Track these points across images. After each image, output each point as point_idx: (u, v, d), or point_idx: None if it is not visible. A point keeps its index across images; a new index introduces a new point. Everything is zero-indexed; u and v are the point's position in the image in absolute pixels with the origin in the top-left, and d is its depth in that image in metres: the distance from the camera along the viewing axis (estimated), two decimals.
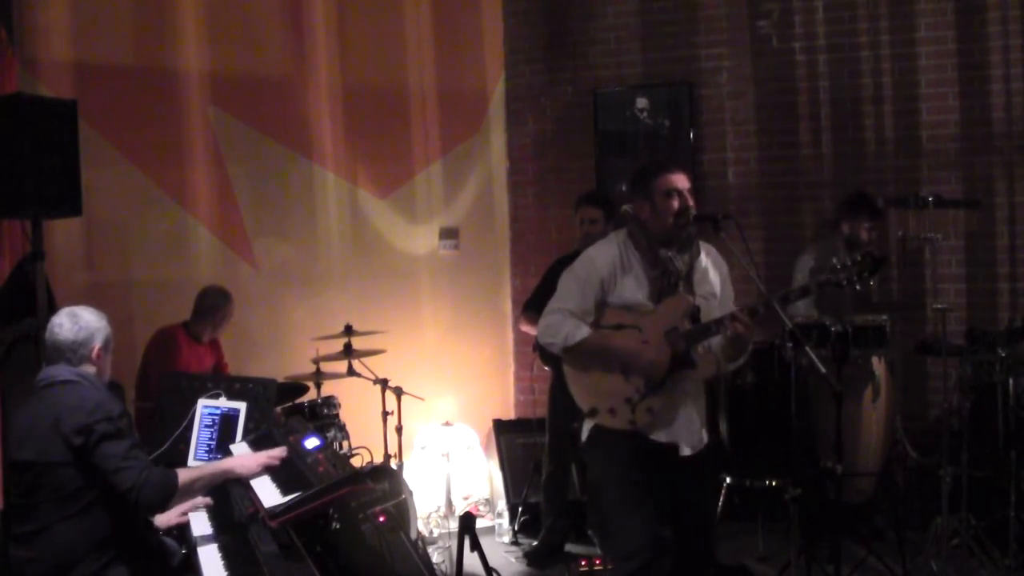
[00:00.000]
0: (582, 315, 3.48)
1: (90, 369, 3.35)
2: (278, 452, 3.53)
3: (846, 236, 5.22)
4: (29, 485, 3.20)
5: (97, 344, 3.36)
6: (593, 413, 3.47)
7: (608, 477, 3.50)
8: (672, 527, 3.47)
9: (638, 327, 3.44)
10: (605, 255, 3.52)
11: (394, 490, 4.60)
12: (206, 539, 3.32)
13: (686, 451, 3.48)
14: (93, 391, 3.28)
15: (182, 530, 3.54)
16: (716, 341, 3.47)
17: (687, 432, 3.49)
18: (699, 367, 3.47)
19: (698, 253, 3.55)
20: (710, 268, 3.57)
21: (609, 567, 4.53)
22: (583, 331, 3.44)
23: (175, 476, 3.29)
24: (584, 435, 3.56)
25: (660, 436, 3.45)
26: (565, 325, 3.46)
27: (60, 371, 3.32)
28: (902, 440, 5.29)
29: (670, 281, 3.47)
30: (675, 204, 3.43)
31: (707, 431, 3.60)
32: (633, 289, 3.47)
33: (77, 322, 3.36)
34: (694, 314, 3.45)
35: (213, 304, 5.34)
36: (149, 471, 3.20)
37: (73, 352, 3.33)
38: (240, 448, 3.80)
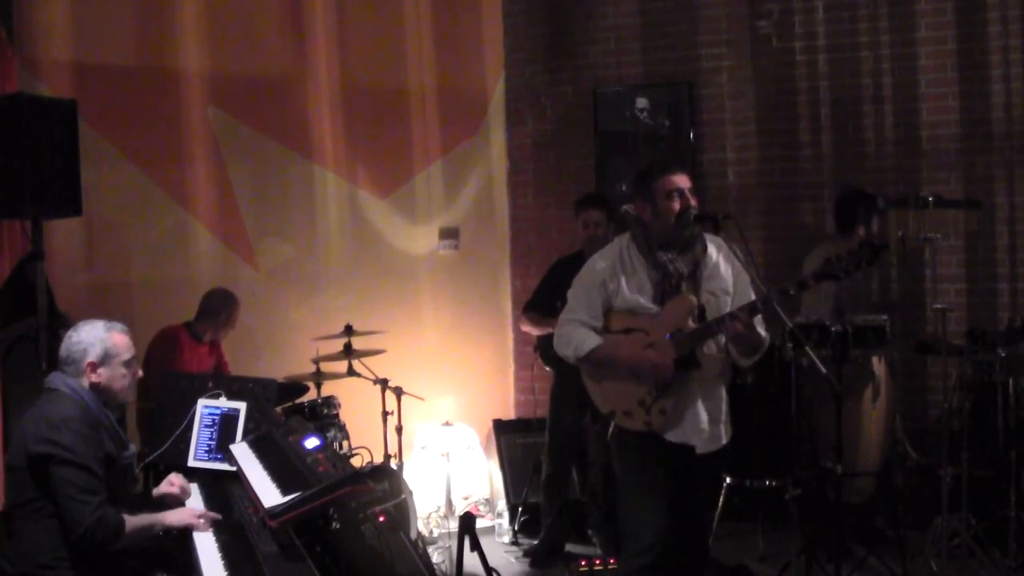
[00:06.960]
0: (592, 321, 3.54)
1: (86, 382, 3.29)
2: (213, 514, 3.43)
3: (863, 238, 5.22)
4: (9, 488, 3.20)
5: (89, 358, 3.28)
6: (611, 415, 3.55)
7: (627, 474, 3.58)
8: (675, 522, 3.50)
9: (644, 330, 3.47)
10: (606, 259, 3.58)
11: (394, 490, 4.59)
12: (206, 539, 3.31)
13: (700, 449, 3.52)
14: (70, 406, 3.21)
15: (182, 529, 3.52)
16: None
17: (695, 431, 3.52)
18: (704, 367, 3.49)
19: (704, 250, 3.55)
20: (721, 263, 3.57)
21: (609, 562, 4.55)
22: (592, 341, 3.51)
23: (123, 522, 3.17)
24: (610, 432, 3.63)
25: (673, 436, 3.50)
26: (575, 336, 3.54)
27: (53, 379, 3.33)
28: (902, 440, 5.29)
29: (672, 283, 3.48)
30: (676, 205, 3.45)
31: (726, 429, 3.62)
32: (636, 292, 3.50)
33: (76, 335, 3.32)
34: (699, 313, 3.47)
35: (218, 306, 5.34)
36: (104, 511, 3.12)
37: (66, 365, 3.31)
38: (240, 448, 3.80)
